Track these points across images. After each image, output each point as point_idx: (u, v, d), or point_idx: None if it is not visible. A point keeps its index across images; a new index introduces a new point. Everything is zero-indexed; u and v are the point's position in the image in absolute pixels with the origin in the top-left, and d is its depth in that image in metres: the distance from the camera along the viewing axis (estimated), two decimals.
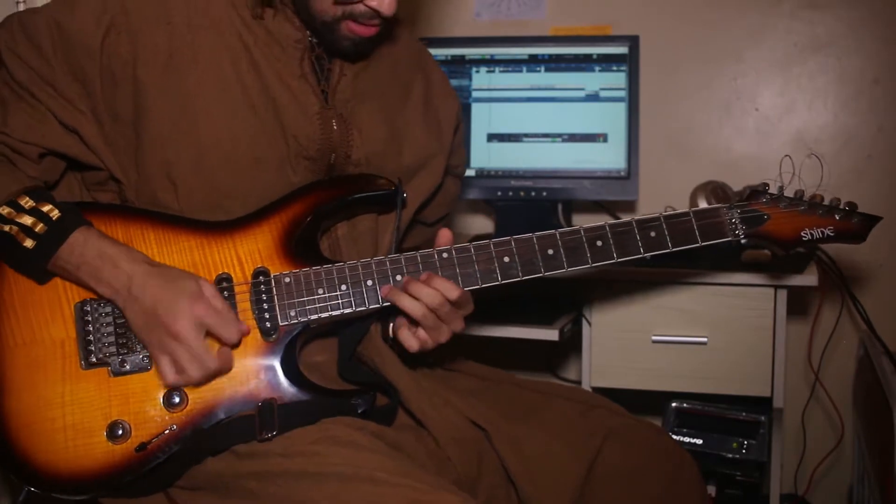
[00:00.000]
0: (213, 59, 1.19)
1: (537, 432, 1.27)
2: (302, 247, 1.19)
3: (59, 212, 1.13)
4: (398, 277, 1.18)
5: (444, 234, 1.23)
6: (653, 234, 1.24)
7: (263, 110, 1.21)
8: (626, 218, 1.25)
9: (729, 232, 1.27)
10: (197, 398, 1.12)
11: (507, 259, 1.21)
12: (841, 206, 1.30)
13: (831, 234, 1.29)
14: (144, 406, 1.11)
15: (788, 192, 1.30)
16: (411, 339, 1.20)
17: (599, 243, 1.23)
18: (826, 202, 1.30)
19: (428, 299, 1.16)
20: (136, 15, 1.18)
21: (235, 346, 1.13)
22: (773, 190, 1.30)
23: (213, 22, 1.21)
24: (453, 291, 1.17)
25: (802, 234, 1.29)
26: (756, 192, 1.29)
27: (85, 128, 1.19)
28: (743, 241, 1.28)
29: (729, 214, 1.27)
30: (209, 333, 1.09)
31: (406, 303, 1.16)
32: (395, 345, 1.26)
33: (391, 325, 1.27)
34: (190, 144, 1.18)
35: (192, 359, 1.08)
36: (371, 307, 1.18)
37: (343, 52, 1.25)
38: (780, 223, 1.28)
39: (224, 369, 1.11)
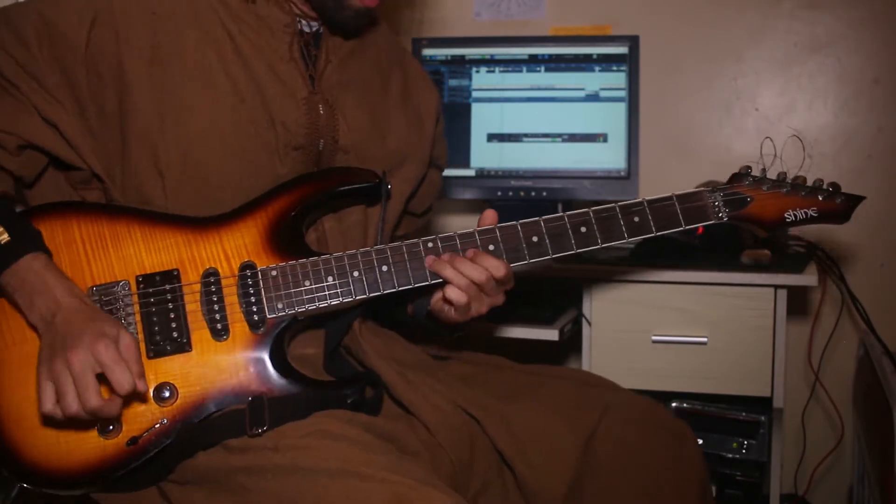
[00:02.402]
0: (198, 52, 1.20)
1: (532, 411, 1.28)
2: (288, 240, 1.20)
3: (9, 236, 1.12)
4: (384, 268, 1.19)
5: (489, 215, 1.24)
6: (636, 219, 1.24)
7: (251, 100, 1.21)
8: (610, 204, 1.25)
9: (712, 214, 1.26)
10: (187, 392, 1.12)
11: (491, 247, 1.22)
12: (824, 187, 1.29)
13: (815, 215, 1.28)
14: (135, 400, 1.11)
15: (771, 175, 1.29)
16: (450, 311, 1.22)
17: (584, 229, 1.23)
18: (809, 183, 1.29)
19: (474, 275, 1.17)
20: (121, 9, 1.19)
21: (124, 397, 1.06)
22: (755, 172, 1.29)
23: (196, 12, 1.21)
24: (500, 270, 1.18)
25: (786, 215, 1.28)
26: (738, 175, 1.29)
27: (64, 121, 1.19)
28: (725, 221, 1.27)
29: (712, 198, 1.27)
30: (104, 376, 1.05)
31: (449, 273, 1.18)
32: (431, 321, 1.29)
33: (426, 302, 1.30)
34: (178, 138, 1.19)
35: (73, 390, 1.03)
36: (358, 298, 1.19)
37: (343, 24, 1.27)
38: (763, 205, 1.27)
39: (103, 413, 1.05)
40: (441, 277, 1.19)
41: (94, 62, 1.18)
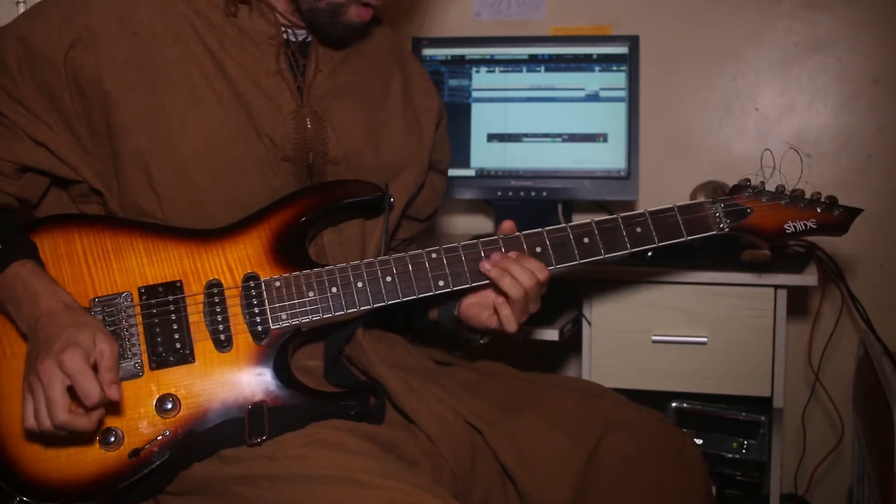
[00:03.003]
0: (182, 70, 1.20)
1: (536, 423, 1.28)
2: (291, 251, 1.19)
3: (1, 244, 1.12)
4: (388, 279, 1.19)
5: (507, 225, 1.25)
6: (639, 229, 1.26)
7: (236, 115, 1.21)
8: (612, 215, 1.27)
9: (713, 225, 1.28)
10: (190, 403, 1.12)
11: None
12: (822, 200, 1.31)
13: (814, 227, 1.31)
14: (137, 412, 1.11)
15: (770, 187, 1.31)
16: (492, 319, 1.24)
17: (586, 240, 1.24)
18: (808, 196, 1.31)
19: (523, 279, 1.18)
20: (101, 31, 1.18)
21: (96, 409, 1.04)
22: (755, 184, 1.31)
23: (176, 31, 1.21)
24: (542, 272, 1.20)
25: (785, 226, 1.30)
26: (738, 187, 1.31)
27: (53, 142, 1.19)
28: (726, 232, 1.29)
29: (713, 209, 1.29)
30: (73, 388, 1.03)
31: (507, 283, 1.19)
32: (457, 327, 1.30)
33: (452, 309, 1.30)
34: (169, 156, 1.19)
35: (43, 405, 1.02)
36: (362, 308, 1.19)
37: (335, 38, 1.27)
38: (763, 216, 1.29)
39: (75, 428, 1.02)
40: (499, 287, 1.19)
41: (76, 84, 1.18)
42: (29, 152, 1.19)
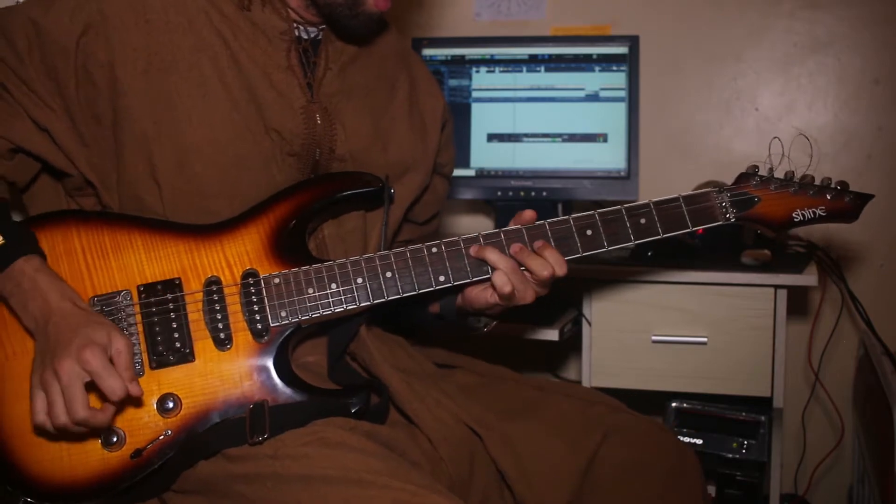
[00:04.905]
0: (192, 60, 1.19)
1: (534, 430, 1.27)
2: (290, 247, 1.19)
3: (3, 238, 1.11)
4: (388, 274, 1.18)
5: (528, 214, 1.23)
6: (643, 220, 1.22)
7: (245, 108, 1.20)
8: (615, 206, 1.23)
9: (720, 215, 1.24)
10: (190, 403, 1.11)
11: None
12: (832, 186, 1.27)
13: (823, 214, 1.26)
14: (138, 412, 1.10)
15: (778, 174, 1.27)
16: (495, 295, 1.21)
17: (589, 232, 1.21)
18: (817, 182, 1.27)
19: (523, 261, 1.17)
20: (113, 17, 1.18)
21: (119, 404, 1.06)
22: (762, 172, 1.27)
23: (190, 20, 1.20)
24: (562, 267, 1.18)
25: (794, 215, 1.26)
26: (745, 175, 1.27)
27: (56, 126, 1.18)
28: (733, 222, 1.25)
29: (719, 198, 1.24)
30: (94, 384, 1.04)
31: (493, 257, 1.18)
32: (460, 316, 1.29)
33: (453, 301, 1.29)
34: (173, 146, 1.18)
35: (61, 401, 1.02)
36: (362, 305, 1.18)
37: (355, 31, 1.26)
38: (771, 205, 1.25)
39: (93, 423, 1.04)
40: (486, 261, 1.18)
41: (85, 70, 1.17)
42: (27, 133, 1.18)
